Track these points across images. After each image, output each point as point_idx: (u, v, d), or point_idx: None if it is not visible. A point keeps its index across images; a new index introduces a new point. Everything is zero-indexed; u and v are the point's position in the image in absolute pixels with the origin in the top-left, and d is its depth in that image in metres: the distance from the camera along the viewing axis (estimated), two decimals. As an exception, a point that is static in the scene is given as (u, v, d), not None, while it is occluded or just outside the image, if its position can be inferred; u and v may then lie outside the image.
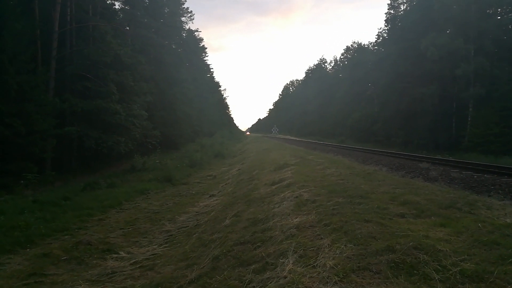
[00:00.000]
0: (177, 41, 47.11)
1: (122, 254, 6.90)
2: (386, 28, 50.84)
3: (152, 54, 34.26)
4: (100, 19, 25.00)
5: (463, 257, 3.45)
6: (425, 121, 35.48)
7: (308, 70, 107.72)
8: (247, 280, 3.89)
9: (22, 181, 14.84)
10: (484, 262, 3.33)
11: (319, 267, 3.62)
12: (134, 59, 25.94)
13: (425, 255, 3.47)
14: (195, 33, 60.30)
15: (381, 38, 53.68)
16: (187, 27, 54.09)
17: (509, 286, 2.88)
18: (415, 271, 3.22)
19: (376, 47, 57.50)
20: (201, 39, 62.97)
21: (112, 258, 6.65)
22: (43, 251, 6.99)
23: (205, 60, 68.29)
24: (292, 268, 3.73)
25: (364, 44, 67.11)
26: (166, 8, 41.04)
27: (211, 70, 74.70)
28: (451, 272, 3.13)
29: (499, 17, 33.78)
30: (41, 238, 7.87)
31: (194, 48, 58.53)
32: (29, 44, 18.56)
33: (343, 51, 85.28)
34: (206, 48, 65.73)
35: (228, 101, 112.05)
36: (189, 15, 51.04)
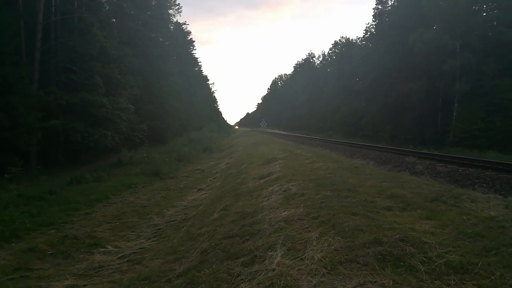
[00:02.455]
0: (164, 34, 46.58)
1: (109, 248, 6.85)
2: (374, 23, 50.99)
3: (139, 46, 33.79)
4: (85, 11, 24.47)
5: (448, 249, 3.52)
6: (412, 116, 35.83)
7: (296, 64, 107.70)
8: (236, 273, 3.91)
9: (6, 175, 14.58)
10: (468, 254, 3.40)
11: (307, 259, 3.66)
12: (120, 51, 25.54)
13: (411, 247, 3.52)
14: (183, 26, 59.72)
15: (368, 33, 53.85)
16: (175, 20, 53.56)
17: (493, 277, 2.94)
18: (401, 263, 3.27)
19: (364, 42, 57.65)
20: (189, 32, 62.40)
21: (99, 252, 6.61)
22: (29, 245, 6.90)
23: (193, 53, 67.73)
24: (280, 261, 3.75)
25: (352, 39, 67.28)
26: (154, 0, 40.52)
27: (199, 63, 74.17)
28: (436, 263, 3.19)
29: (485, 14, 34.21)
30: (26, 233, 7.75)
31: (182, 41, 57.96)
32: (13, 36, 18.10)
33: (331, 46, 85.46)
34: (194, 41, 65.30)
35: (216, 95, 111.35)
36: (176, 7, 50.59)
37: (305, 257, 3.74)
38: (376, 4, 48.70)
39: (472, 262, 3.19)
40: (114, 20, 31.80)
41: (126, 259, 6.16)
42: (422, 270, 3.11)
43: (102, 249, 6.77)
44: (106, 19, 28.06)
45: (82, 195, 11.49)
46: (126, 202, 11.26)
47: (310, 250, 3.88)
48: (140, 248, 6.76)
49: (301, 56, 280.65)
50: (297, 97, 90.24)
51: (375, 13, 49.25)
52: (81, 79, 21.56)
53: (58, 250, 6.69)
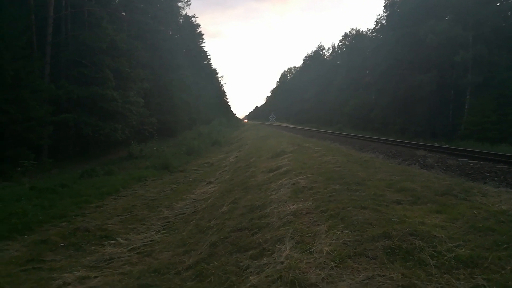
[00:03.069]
0: (173, 27, 46.64)
1: (120, 240, 6.92)
2: (384, 14, 50.44)
3: (149, 40, 33.89)
4: (95, 4, 24.64)
5: (458, 243, 3.48)
6: (422, 109, 35.46)
7: (306, 57, 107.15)
8: (245, 266, 3.93)
9: (19, 168, 14.80)
10: (478, 248, 3.37)
11: (316, 253, 3.66)
12: (130, 45, 25.70)
13: (420, 241, 3.50)
14: (192, 19, 59.75)
15: (379, 24, 53.29)
16: (184, 13, 53.64)
17: (503, 272, 2.91)
18: (410, 257, 3.26)
19: (374, 34, 57.12)
20: (198, 25, 62.42)
21: (110, 245, 6.68)
22: (41, 237, 7.00)
23: (202, 46, 67.75)
24: (289, 254, 3.76)
25: (362, 31, 66.71)
26: (163, -6, 40.53)
27: (208, 56, 74.15)
28: (446, 257, 3.17)
29: (498, 4, 33.57)
30: (38, 225, 7.86)
31: (191, 34, 57.99)
32: (24, 30, 18.29)
33: (341, 38, 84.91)
34: (203, 34, 65.20)
35: (225, 88, 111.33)
36: (185, 0, 50.55)
37: (313, 250, 3.74)
38: (387, -5, 48.08)
39: (482, 256, 3.16)
40: (123, 13, 31.89)
41: (136, 252, 6.22)
42: (432, 264, 3.10)
43: (112, 242, 6.84)
44: (116, 12, 28.17)
45: (93, 188, 11.61)
46: (136, 195, 11.35)
47: (319, 243, 3.88)
48: (150, 241, 6.82)
49: (310, 48, 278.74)
50: (306, 90, 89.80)
51: (386, 4, 48.67)
52: (91, 73, 21.71)
53: (69, 242, 6.77)
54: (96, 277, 5.15)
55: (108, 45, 22.35)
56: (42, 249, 6.47)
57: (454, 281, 2.85)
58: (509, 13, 32.26)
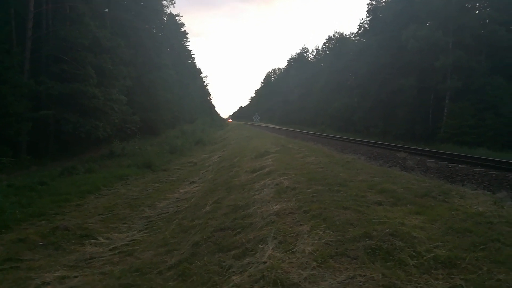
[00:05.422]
0: (157, 25, 46.15)
1: (101, 239, 6.83)
2: (367, 18, 51.12)
3: (132, 37, 33.41)
4: (77, 0, 24.18)
5: (437, 243, 3.57)
6: (403, 112, 36.13)
7: (290, 58, 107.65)
8: (227, 266, 3.93)
9: (-4, 165, 14.45)
10: (456, 248, 3.46)
11: (298, 252, 3.69)
12: (113, 42, 25.26)
13: (400, 242, 3.57)
14: (176, 17, 59.17)
15: (362, 28, 53.95)
16: (168, 11, 53.08)
17: (480, 272, 3.00)
18: (390, 257, 3.32)
19: (357, 38, 57.77)
20: (182, 24, 61.91)
21: (90, 244, 6.58)
22: (19, 236, 6.84)
23: (187, 45, 67.34)
24: (271, 254, 3.78)
25: (345, 34, 67.36)
26: (147, -9, 40.07)
27: (193, 55, 73.75)
28: (425, 258, 3.25)
29: (477, 12, 34.44)
30: (16, 223, 7.69)
31: (175, 32, 57.49)
32: (3, 24, 17.86)
33: (325, 41, 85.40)
34: (187, 33, 64.75)
35: (209, 88, 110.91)
36: (170, -2, 50.09)
37: (296, 250, 3.77)
38: (370, 0, 48.74)
39: (460, 257, 3.25)
40: (106, 10, 31.33)
41: (117, 251, 6.15)
42: (411, 264, 3.17)
43: (93, 241, 6.74)
44: (98, 8, 27.67)
45: (73, 186, 11.39)
46: (118, 194, 11.21)
47: (301, 243, 3.92)
48: (132, 240, 6.74)
49: (294, 50, 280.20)
50: (290, 91, 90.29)
51: (369, 9, 49.37)
52: (72, 69, 21.25)
53: (49, 241, 6.64)
54: (76, 276, 5.07)
55: (90, 42, 21.96)
56: (20, 248, 6.32)
57: (433, 281, 2.92)
58: (487, 21, 33.10)
